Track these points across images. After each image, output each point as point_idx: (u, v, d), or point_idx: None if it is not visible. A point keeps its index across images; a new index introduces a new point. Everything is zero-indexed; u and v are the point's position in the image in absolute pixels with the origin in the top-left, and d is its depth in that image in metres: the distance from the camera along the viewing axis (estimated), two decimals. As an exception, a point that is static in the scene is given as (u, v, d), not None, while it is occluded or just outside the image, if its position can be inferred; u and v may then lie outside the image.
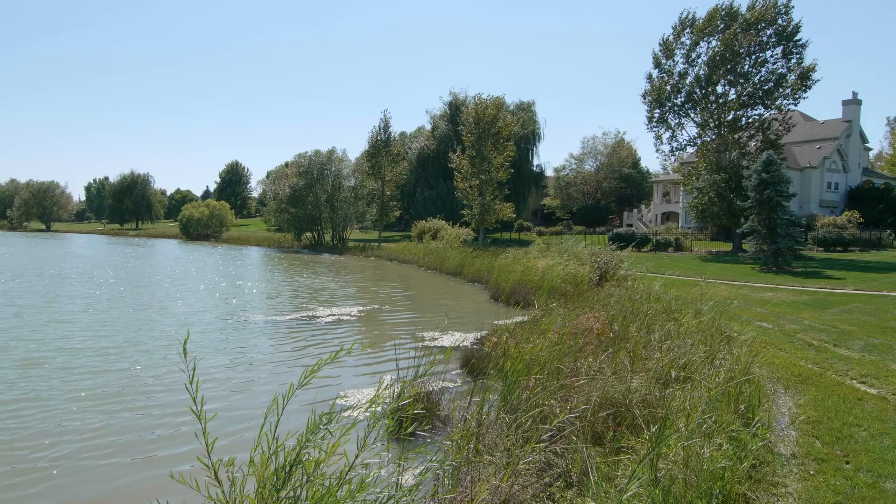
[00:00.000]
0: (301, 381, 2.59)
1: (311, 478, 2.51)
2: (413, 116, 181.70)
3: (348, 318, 14.76)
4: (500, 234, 48.44)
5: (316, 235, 53.67)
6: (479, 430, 5.49)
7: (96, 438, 6.16)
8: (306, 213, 51.56)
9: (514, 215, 40.88)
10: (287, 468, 2.30)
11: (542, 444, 4.99)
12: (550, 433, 5.24)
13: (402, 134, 65.90)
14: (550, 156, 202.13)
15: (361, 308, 16.41)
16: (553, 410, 5.71)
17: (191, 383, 2.25)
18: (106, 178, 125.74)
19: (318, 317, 14.64)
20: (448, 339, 11.81)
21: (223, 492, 2.47)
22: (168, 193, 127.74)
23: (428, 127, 61.96)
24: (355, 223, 52.20)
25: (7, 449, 5.71)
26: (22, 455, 5.53)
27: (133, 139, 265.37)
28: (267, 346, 11.20)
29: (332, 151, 53.02)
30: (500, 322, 11.37)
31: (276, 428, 2.58)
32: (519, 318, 11.45)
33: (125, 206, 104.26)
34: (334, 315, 14.97)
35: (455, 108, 55.40)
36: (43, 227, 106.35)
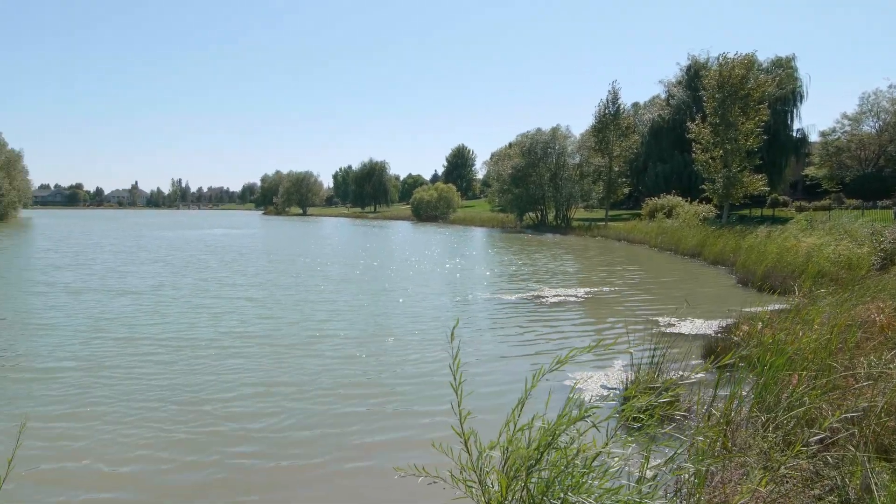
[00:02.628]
0: (552, 367, 2.70)
1: (558, 462, 2.58)
2: (645, 86, 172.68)
3: (574, 299, 14.73)
4: (748, 210, 43.71)
5: (539, 215, 54.32)
6: (727, 427, 5.10)
7: (360, 425, 6.73)
8: (529, 192, 52.40)
9: (766, 188, 36.38)
10: (540, 450, 2.42)
11: (808, 450, 4.45)
12: (819, 438, 4.64)
13: (635, 105, 62.92)
14: (815, 118, 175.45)
15: (588, 290, 16.23)
16: (822, 413, 5.04)
17: (454, 362, 2.51)
18: (349, 167, 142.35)
19: (544, 297, 14.87)
20: (687, 326, 11.10)
21: (472, 460, 2.69)
22: (401, 178, 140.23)
23: (663, 96, 58.20)
24: (580, 202, 51.55)
25: (285, 441, 6.21)
26: (304, 449, 5.94)
27: (371, 129, 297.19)
28: (499, 327, 11.71)
29: (555, 129, 52.94)
30: (751, 309, 10.33)
31: (521, 409, 2.70)
32: (775, 306, 10.29)
33: (365, 191, 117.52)
34: (560, 296, 15.06)
35: (694, 73, 51.11)
36: (300, 211, 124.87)
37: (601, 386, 7.64)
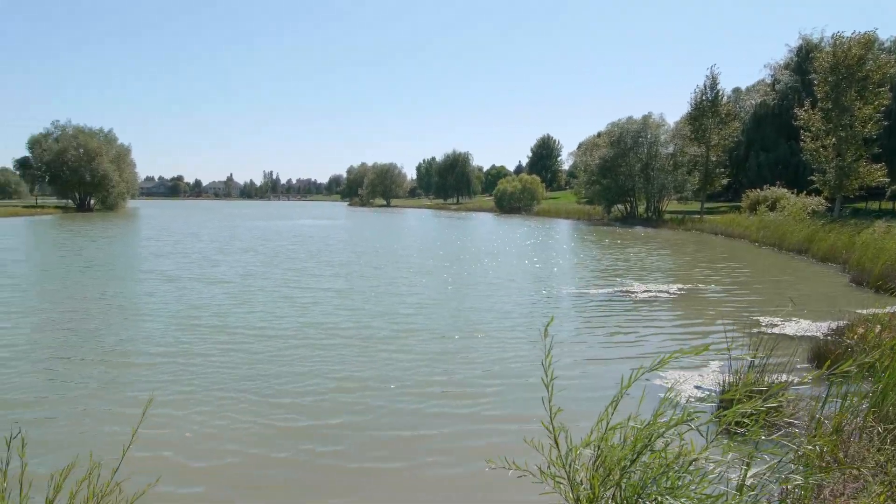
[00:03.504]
0: (651, 367, 2.66)
1: (653, 464, 2.52)
2: (749, 71, 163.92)
3: (666, 295, 14.20)
4: (864, 203, 40.52)
5: (628, 207, 52.78)
6: (838, 437, 4.77)
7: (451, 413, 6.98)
8: (617, 184, 50.98)
9: (885, 179, 33.49)
10: (636, 451, 2.37)
11: (934, 467, 4.08)
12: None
13: (736, 90, 59.71)
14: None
15: (681, 286, 15.60)
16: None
17: (546, 358, 2.51)
18: (433, 158, 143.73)
19: (638, 293, 14.41)
20: (792, 328, 10.45)
21: (561, 456, 2.67)
22: (484, 169, 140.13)
23: (768, 80, 54.86)
24: (673, 193, 49.57)
25: (369, 440, 6.41)
26: (389, 450, 5.84)
27: (456, 119, 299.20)
28: (591, 324, 11.47)
29: (647, 117, 51.11)
30: (866, 311, 9.60)
31: (615, 407, 2.66)
32: (895, 308, 9.49)
33: (448, 182, 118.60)
34: (650, 292, 14.57)
35: (804, 55, 47.88)
36: (384, 202, 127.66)
37: (695, 387, 7.34)
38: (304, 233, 38.09)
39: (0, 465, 2.22)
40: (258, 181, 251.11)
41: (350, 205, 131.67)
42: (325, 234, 37.54)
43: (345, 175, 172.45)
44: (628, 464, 2.40)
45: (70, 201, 75.45)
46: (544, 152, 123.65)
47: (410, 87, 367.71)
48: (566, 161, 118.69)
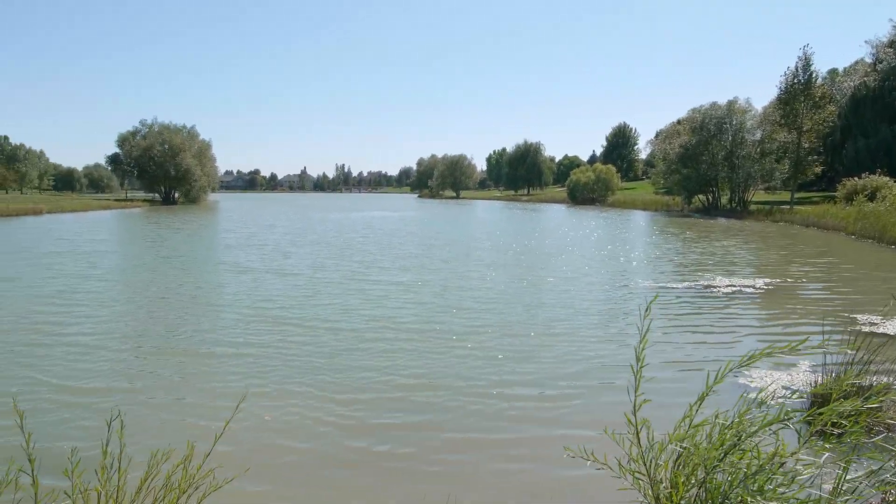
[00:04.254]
0: (741, 363, 2.59)
1: (740, 465, 2.44)
2: (845, 52, 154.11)
3: (751, 290, 13.57)
4: (978, 192, 37.19)
5: (710, 197, 50.76)
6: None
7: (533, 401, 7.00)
8: (699, 173, 49.09)
9: None
10: (724, 450, 2.30)
11: None
12: None
13: (833, 72, 56.13)
14: None
15: (769, 280, 14.87)
16: None
17: (640, 342, 2.49)
18: (503, 150, 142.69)
19: (725, 288, 13.80)
20: (894, 327, 9.77)
21: (642, 453, 2.62)
22: (557, 160, 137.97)
23: (868, 59, 51.25)
24: (760, 183, 47.18)
25: (441, 443, 6.47)
26: (464, 454, 5.71)
27: (528, 109, 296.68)
28: (676, 320, 11.01)
29: (732, 102, 48.87)
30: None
31: (700, 405, 2.59)
32: None
33: (519, 173, 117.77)
34: (738, 287, 13.95)
35: (911, 28, 44.37)
36: (454, 194, 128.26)
37: (783, 387, 7.00)
38: (374, 225, 38.82)
39: (101, 444, 2.39)
40: (331, 174, 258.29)
41: (420, 196, 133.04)
42: (395, 226, 38.09)
43: (415, 167, 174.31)
44: (715, 464, 2.32)
45: (156, 195, 79.98)
46: (620, 141, 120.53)
47: (481, 77, 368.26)
48: (643, 150, 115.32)
